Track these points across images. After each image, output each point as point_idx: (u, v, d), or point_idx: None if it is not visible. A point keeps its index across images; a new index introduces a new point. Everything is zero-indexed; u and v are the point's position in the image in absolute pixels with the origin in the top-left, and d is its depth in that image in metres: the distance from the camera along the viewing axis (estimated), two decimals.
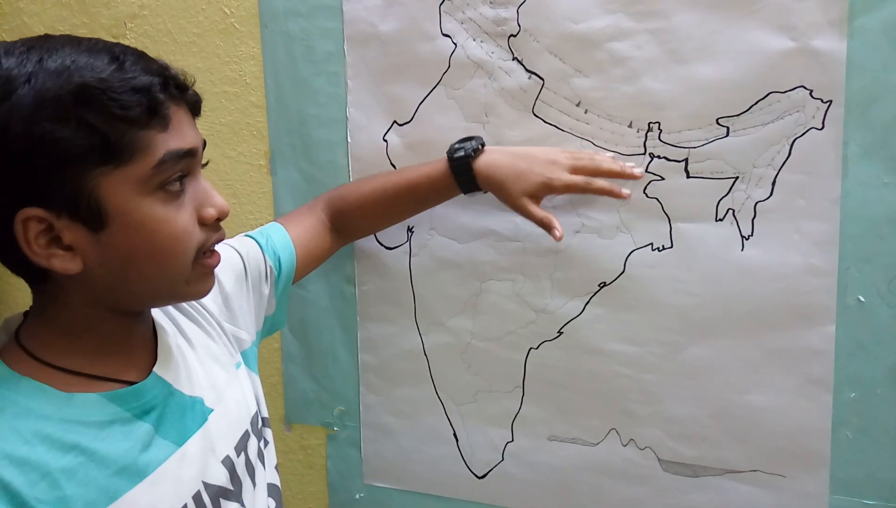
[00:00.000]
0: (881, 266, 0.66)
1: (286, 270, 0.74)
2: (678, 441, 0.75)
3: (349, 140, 0.83)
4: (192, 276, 0.51)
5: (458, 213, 0.79)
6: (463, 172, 0.71)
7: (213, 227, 0.52)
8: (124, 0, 0.91)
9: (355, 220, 0.78)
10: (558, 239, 0.69)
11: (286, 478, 0.94)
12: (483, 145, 0.72)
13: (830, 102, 0.65)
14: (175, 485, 0.51)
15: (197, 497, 0.53)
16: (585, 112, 0.72)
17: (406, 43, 0.78)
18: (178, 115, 0.48)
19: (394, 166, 0.81)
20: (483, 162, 0.71)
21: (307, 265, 0.77)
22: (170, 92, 0.47)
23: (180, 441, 0.53)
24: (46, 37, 0.47)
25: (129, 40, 0.91)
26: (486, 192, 0.73)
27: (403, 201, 0.76)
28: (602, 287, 0.75)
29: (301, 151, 0.85)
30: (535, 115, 0.74)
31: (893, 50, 0.63)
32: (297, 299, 0.89)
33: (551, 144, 0.73)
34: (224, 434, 0.57)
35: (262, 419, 0.66)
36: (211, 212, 0.50)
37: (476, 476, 0.84)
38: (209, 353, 0.61)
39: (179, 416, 0.54)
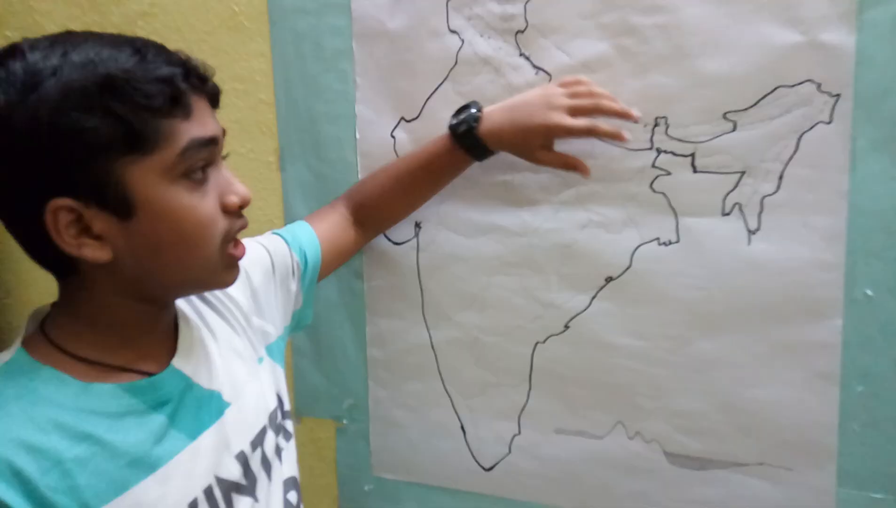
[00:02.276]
0: (889, 260, 0.66)
1: (312, 265, 0.75)
2: (685, 435, 0.75)
3: (357, 137, 0.83)
4: (220, 265, 0.52)
5: (465, 208, 0.80)
6: (472, 144, 0.72)
7: (237, 215, 0.52)
8: None
9: (376, 209, 0.79)
10: (588, 174, 0.71)
11: None
12: (481, 110, 0.72)
13: (839, 95, 0.65)
14: (186, 479, 0.52)
15: (208, 491, 0.53)
16: None
17: (414, 39, 0.78)
18: (200, 104, 0.49)
19: None
20: (487, 128, 0.71)
21: (333, 260, 0.78)
22: (191, 82, 0.48)
23: (194, 435, 0.53)
24: (69, 32, 0.48)
25: None
26: (498, 152, 0.74)
27: (420, 182, 0.77)
28: (609, 282, 0.75)
29: (310, 148, 0.86)
30: None
31: None
32: None
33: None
34: (240, 429, 0.57)
35: (284, 412, 0.66)
36: (233, 200, 0.51)
37: (483, 468, 0.85)
38: (231, 347, 0.61)
39: (196, 409, 0.54)
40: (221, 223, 0.51)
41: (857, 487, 0.70)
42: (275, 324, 0.69)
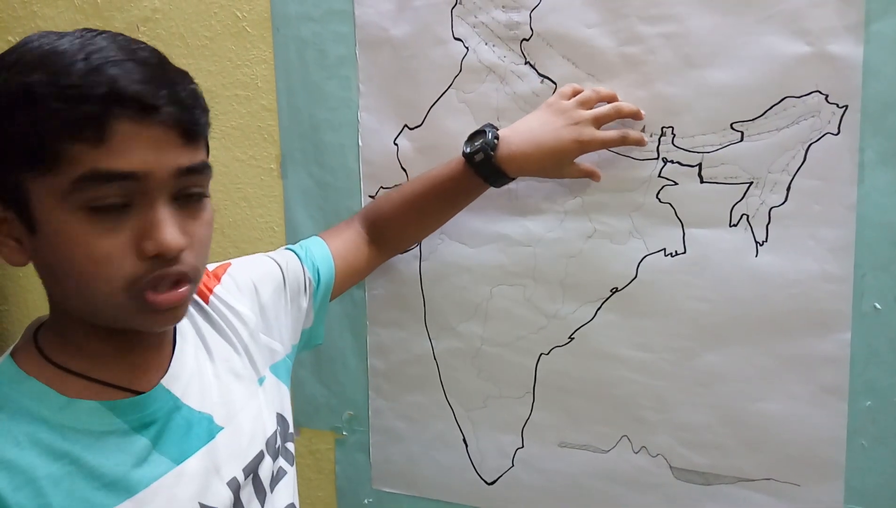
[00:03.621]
0: None
1: (325, 281, 0.72)
2: (690, 449, 0.74)
3: (360, 144, 0.83)
4: (131, 308, 0.46)
5: (468, 217, 0.79)
6: (490, 173, 0.70)
7: (158, 262, 0.45)
8: (137, 4, 0.91)
9: (390, 229, 0.77)
10: (598, 179, 0.71)
11: None
12: (497, 137, 0.69)
13: (846, 107, 0.64)
14: (167, 504, 0.49)
15: None
16: None
17: (418, 47, 0.78)
18: (131, 132, 0.43)
19: (404, 170, 0.81)
20: (506, 155, 0.69)
21: (347, 278, 0.76)
22: (110, 107, 0.42)
23: (179, 459, 0.51)
24: (85, 30, 0.46)
25: None
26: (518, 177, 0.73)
27: (433, 206, 0.75)
28: (614, 293, 0.75)
29: (312, 155, 0.85)
30: None
31: None
32: None
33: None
34: (233, 455, 0.55)
35: (287, 434, 0.63)
36: (148, 246, 0.44)
37: (486, 482, 0.84)
38: (230, 368, 0.59)
39: (183, 432, 0.52)
40: (128, 266, 0.44)
41: (864, 503, 0.69)
42: (283, 342, 0.67)
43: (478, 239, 0.79)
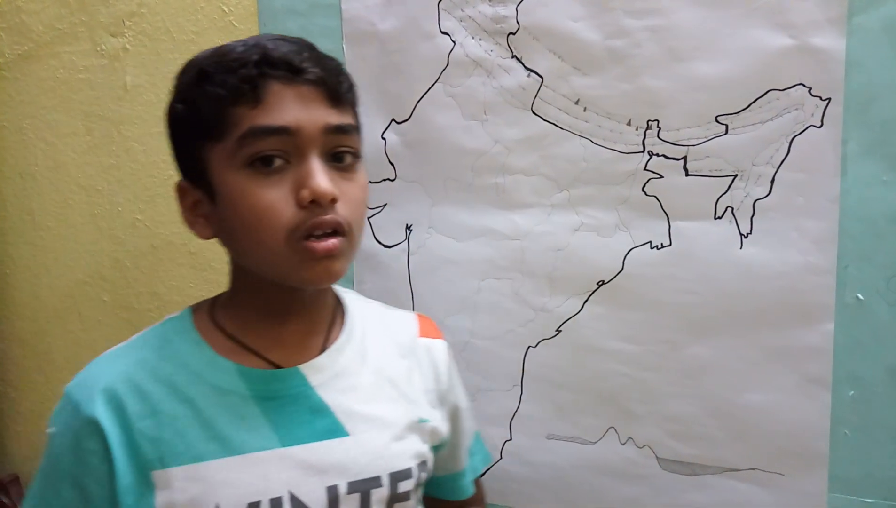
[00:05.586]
0: (880, 264, 0.66)
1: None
2: (677, 440, 0.75)
3: None
4: (292, 258, 0.49)
5: (456, 211, 0.79)
6: None
7: (314, 210, 0.48)
8: None
9: None
10: None
11: None
12: None
13: (829, 99, 0.65)
14: (259, 478, 0.50)
15: (276, 502, 0.50)
16: (584, 110, 0.72)
17: (405, 41, 0.78)
18: (282, 93, 0.48)
19: (392, 165, 0.81)
20: None
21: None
22: (263, 70, 0.48)
23: (287, 442, 0.52)
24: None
25: (128, 38, 0.91)
26: None
27: None
28: (600, 286, 0.75)
29: None
30: (534, 113, 0.74)
31: (892, 48, 0.63)
32: None
33: (550, 143, 0.73)
34: (344, 464, 0.53)
35: (417, 495, 0.59)
36: (304, 194, 0.48)
37: None
38: (398, 391, 0.58)
39: (301, 419, 0.53)
40: (287, 215, 0.48)
41: (848, 492, 0.70)
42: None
43: (465, 233, 0.79)
